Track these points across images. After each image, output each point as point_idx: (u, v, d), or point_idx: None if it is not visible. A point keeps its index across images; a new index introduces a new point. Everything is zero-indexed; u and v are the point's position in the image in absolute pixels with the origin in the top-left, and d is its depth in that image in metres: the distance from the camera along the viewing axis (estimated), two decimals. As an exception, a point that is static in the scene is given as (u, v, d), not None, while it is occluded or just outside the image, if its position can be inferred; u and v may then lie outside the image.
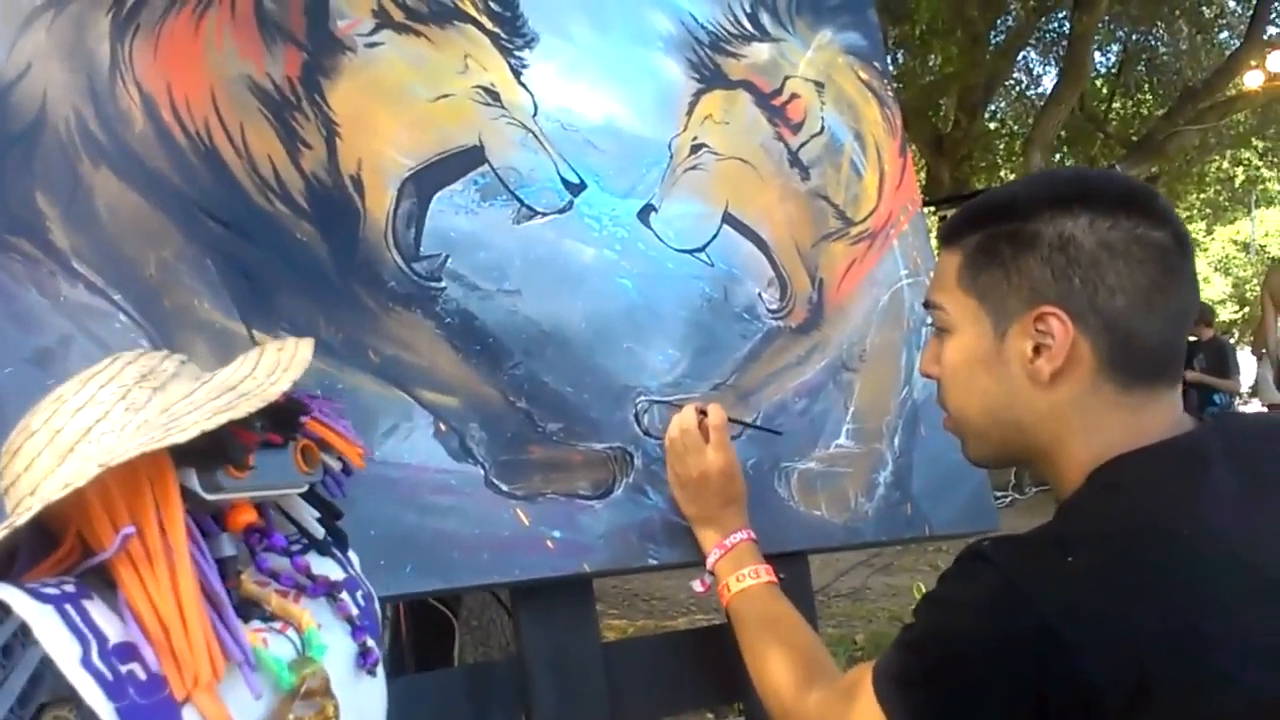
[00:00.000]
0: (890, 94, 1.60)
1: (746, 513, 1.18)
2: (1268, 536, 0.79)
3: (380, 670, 0.87)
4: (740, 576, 1.12)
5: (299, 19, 1.13)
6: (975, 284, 0.90)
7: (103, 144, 1.01)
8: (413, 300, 1.12)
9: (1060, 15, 10.20)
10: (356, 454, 0.88)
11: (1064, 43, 9.74)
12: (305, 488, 0.84)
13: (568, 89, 1.29)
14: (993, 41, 9.99)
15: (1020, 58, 11.29)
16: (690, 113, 1.39)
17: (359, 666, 0.84)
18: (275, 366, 0.80)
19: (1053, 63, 11.51)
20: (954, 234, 0.94)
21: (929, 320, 1.52)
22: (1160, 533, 0.79)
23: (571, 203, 1.25)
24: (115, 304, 0.97)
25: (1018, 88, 11.95)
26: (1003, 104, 12.05)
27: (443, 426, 1.10)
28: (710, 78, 1.42)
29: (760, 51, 1.48)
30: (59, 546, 0.75)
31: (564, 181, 1.25)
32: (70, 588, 0.71)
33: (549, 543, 1.13)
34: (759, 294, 1.37)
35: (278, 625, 0.79)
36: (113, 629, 0.70)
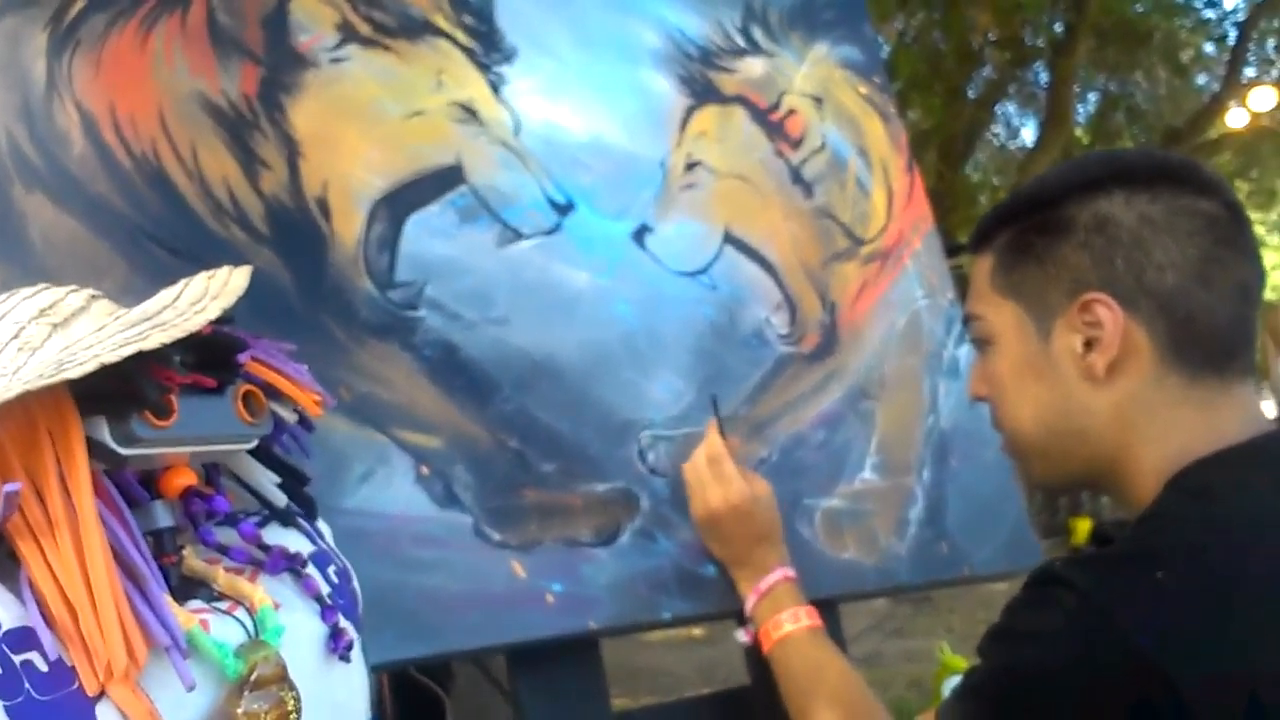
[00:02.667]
0: (893, 109, 1.52)
1: (784, 548, 1.06)
2: None
3: (358, 655, 0.72)
4: (778, 623, 1.01)
5: (256, 33, 1.04)
6: (1010, 284, 0.81)
7: (37, 167, 0.91)
8: (388, 331, 1.01)
9: (1037, 67, 10.32)
10: (312, 400, 0.72)
11: (1043, 94, 9.85)
12: (253, 443, 0.69)
13: (551, 106, 1.20)
14: (971, 95, 10.08)
15: (999, 111, 11.40)
16: (683, 129, 1.29)
17: (329, 651, 0.70)
18: (203, 295, 0.65)
19: (1032, 115, 11.63)
20: (983, 237, 0.85)
21: (957, 343, 1.42)
22: (1260, 542, 0.68)
23: (560, 224, 1.15)
24: (48, 341, 0.85)
25: (997, 140, 12.05)
26: (983, 157, 12.14)
27: (425, 470, 0.98)
28: (702, 93, 1.33)
29: (754, 66, 1.39)
30: None
31: (550, 202, 1.15)
32: None
33: (549, 598, 1.00)
34: (767, 318, 1.27)
35: (224, 606, 0.65)
36: (7, 613, 0.57)
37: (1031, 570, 0.72)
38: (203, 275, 0.69)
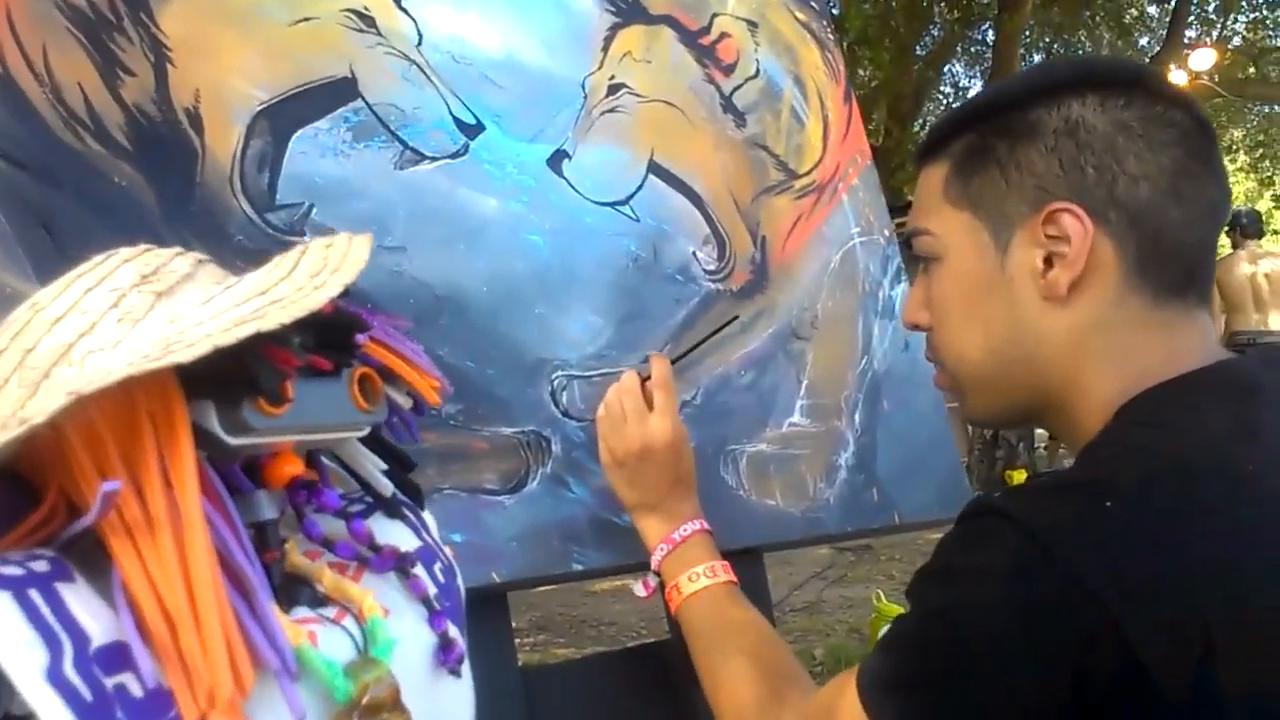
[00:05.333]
0: (830, 37, 1.44)
1: (697, 498, 0.99)
2: None
3: (466, 669, 0.66)
4: (693, 576, 0.93)
5: (118, -78, 0.93)
6: (966, 192, 0.74)
7: None
8: (267, 257, 0.89)
9: (984, 28, 10.31)
10: (432, 387, 0.67)
11: (989, 55, 9.85)
12: (366, 430, 0.63)
13: (458, 17, 1.10)
14: (919, 54, 10.06)
15: (947, 70, 11.40)
16: (606, 49, 1.20)
17: (438, 664, 0.63)
18: (321, 267, 0.59)
19: (979, 75, 11.65)
20: (936, 144, 0.77)
21: (894, 282, 1.36)
22: (1218, 469, 0.62)
23: (467, 146, 1.06)
24: None
25: (945, 99, 12.07)
26: (931, 117, 12.17)
27: (309, 410, 0.89)
28: (628, 11, 1.23)
29: (684, -16, 1.30)
30: (42, 503, 0.54)
31: (457, 122, 1.06)
32: (43, 565, 0.50)
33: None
34: (693, 253, 1.19)
35: (331, 613, 0.58)
36: (99, 625, 0.49)
37: (966, 504, 0.65)
38: (319, 243, 0.61)
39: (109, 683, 0.47)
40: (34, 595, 0.48)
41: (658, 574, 0.96)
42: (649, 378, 0.99)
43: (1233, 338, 5.04)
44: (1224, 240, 5.26)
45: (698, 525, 0.96)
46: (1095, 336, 0.69)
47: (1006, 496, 0.63)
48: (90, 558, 0.51)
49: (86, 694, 0.46)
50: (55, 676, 0.46)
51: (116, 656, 0.48)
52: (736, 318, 1.12)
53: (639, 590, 0.99)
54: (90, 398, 0.48)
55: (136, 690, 0.48)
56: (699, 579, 0.93)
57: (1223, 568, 0.58)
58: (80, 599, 0.49)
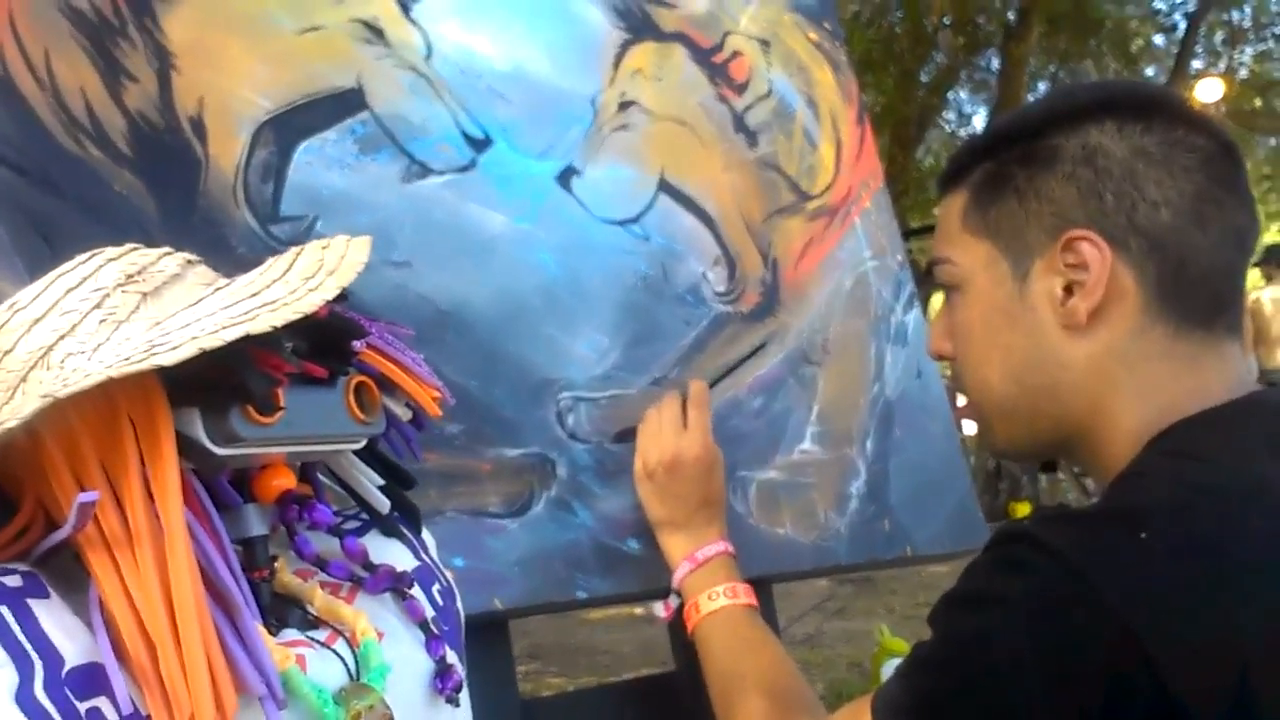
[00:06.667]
0: (844, 58, 1.42)
1: (724, 521, 0.98)
2: None
3: (465, 698, 0.63)
4: (713, 595, 0.92)
5: (125, -74, 0.91)
6: (985, 221, 0.73)
7: None
8: None
9: (989, 53, 10.37)
10: (432, 398, 0.64)
11: (994, 83, 9.89)
12: (362, 443, 0.61)
13: (467, 30, 1.08)
14: (923, 80, 10.11)
15: (951, 97, 11.45)
16: (617, 65, 1.18)
17: (435, 691, 0.60)
18: (317, 269, 0.56)
19: (984, 103, 11.70)
20: (955, 174, 0.77)
21: (906, 308, 1.33)
22: (1253, 500, 0.60)
23: (475, 161, 1.04)
24: None
25: (949, 126, 12.12)
26: (935, 144, 12.22)
27: (309, 428, 0.87)
28: (639, 27, 1.22)
29: (696, 2, 1.28)
30: (18, 514, 0.52)
31: (466, 136, 1.04)
32: (15, 580, 0.48)
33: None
34: (703, 274, 1.17)
35: (322, 635, 0.56)
36: (74, 644, 0.47)
37: (996, 530, 0.63)
38: (315, 244, 0.59)
39: (82, 707, 0.45)
40: (4, 612, 0.46)
41: (678, 593, 0.95)
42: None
43: (1264, 376, 5.00)
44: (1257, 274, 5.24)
45: (722, 547, 0.95)
46: (1117, 365, 0.68)
47: (1039, 523, 0.62)
48: (68, 573, 0.49)
49: (57, 718, 0.44)
50: (25, 699, 0.44)
51: (91, 678, 0.46)
52: (765, 344, 1.10)
53: (659, 611, 0.97)
54: (68, 402, 0.46)
55: (111, 715, 0.46)
56: (718, 598, 0.91)
57: (1259, 599, 0.57)
58: (54, 617, 0.47)
